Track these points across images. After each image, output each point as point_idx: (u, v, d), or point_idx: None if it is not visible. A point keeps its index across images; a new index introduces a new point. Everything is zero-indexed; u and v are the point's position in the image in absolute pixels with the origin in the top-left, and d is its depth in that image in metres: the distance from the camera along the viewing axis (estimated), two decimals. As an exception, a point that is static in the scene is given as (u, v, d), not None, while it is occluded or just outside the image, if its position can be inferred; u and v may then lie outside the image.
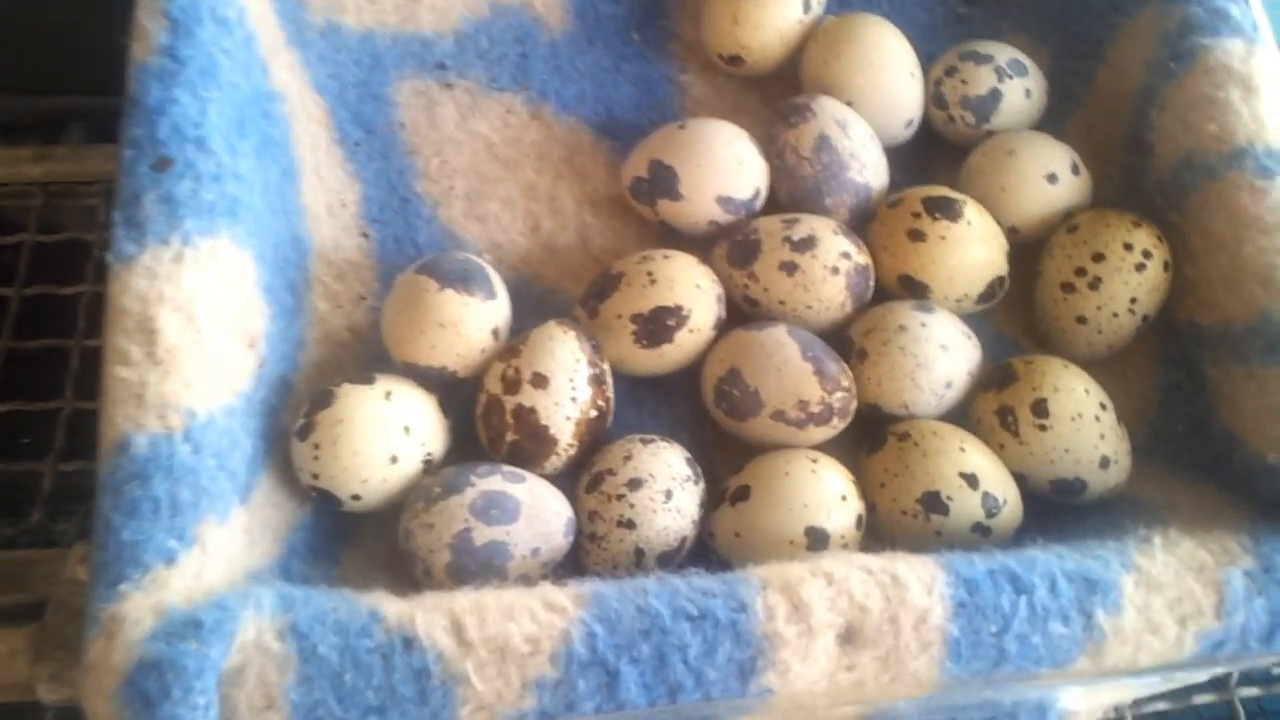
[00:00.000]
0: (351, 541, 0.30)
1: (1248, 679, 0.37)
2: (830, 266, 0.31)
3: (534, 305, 0.34)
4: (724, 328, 0.32)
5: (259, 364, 0.29)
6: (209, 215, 0.28)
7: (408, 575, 0.28)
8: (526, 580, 0.27)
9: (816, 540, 0.28)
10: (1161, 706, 0.36)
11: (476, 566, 0.27)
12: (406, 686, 0.23)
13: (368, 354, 0.32)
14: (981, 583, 0.25)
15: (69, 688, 0.30)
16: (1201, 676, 0.35)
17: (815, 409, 0.30)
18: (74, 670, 0.28)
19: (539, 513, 0.28)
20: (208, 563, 0.25)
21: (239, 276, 0.28)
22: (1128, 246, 0.32)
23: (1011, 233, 0.34)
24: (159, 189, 0.28)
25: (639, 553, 0.28)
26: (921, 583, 0.25)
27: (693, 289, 0.31)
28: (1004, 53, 0.36)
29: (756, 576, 0.25)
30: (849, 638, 0.25)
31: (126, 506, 0.25)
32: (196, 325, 0.27)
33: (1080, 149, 0.36)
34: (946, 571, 0.25)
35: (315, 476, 0.28)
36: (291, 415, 0.30)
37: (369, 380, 0.29)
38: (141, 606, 0.24)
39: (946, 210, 0.32)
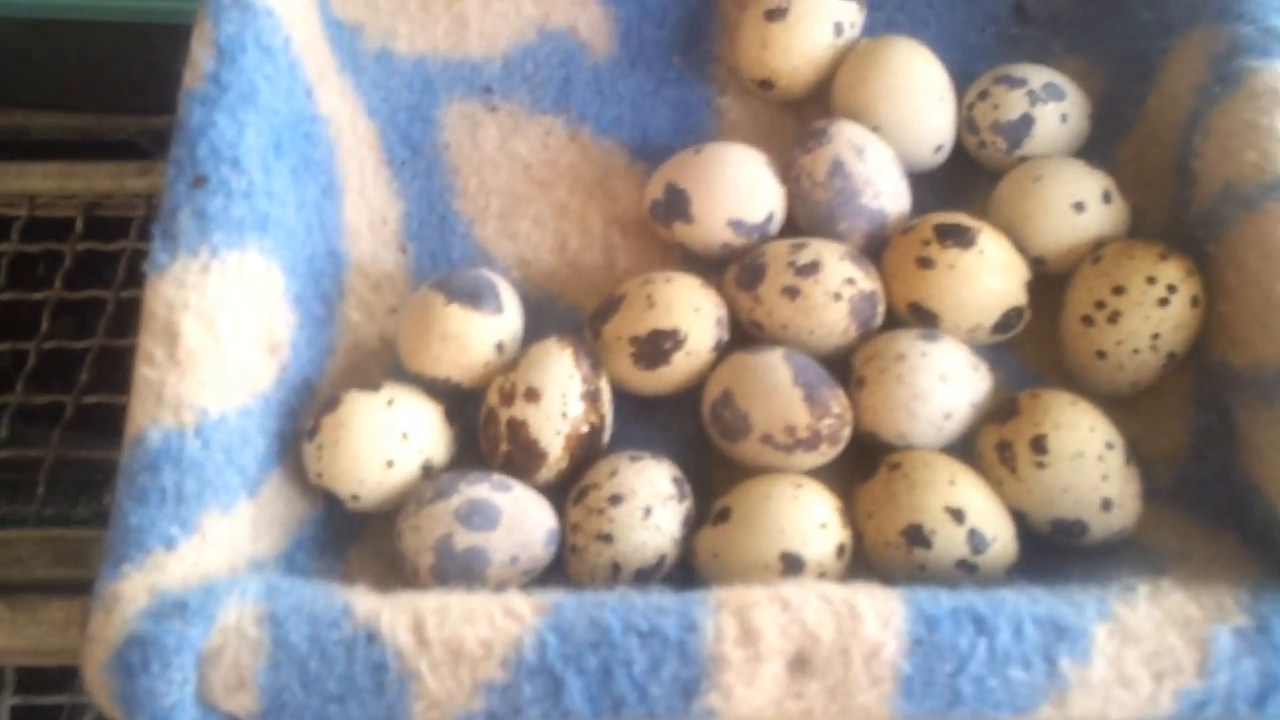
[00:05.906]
0: (359, 540, 0.31)
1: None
2: (833, 292, 0.31)
3: (555, 322, 0.34)
4: (728, 350, 0.32)
5: (280, 369, 0.31)
6: (238, 230, 0.29)
7: (403, 575, 0.30)
8: (504, 587, 0.27)
9: (791, 566, 0.28)
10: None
11: (457, 570, 0.28)
12: (366, 679, 0.24)
13: (396, 363, 0.33)
14: (942, 620, 0.25)
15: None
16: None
17: (803, 435, 0.29)
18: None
19: (520, 522, 0.28)
20: (207, 550, 0.26)
21: (265, 287, 0.30)
22: (1150, 280, 0.30)
23: (1038, 263, 0.32)
24: (193, 204, 0.29)
25: (615, 567, 0.29)
26: (878, 615, 0.25)
27: (691, 312, 0.31)
28: (1039, 76, 0.34)
29: (714, 598, 0.25)
30: (799, 666, 0.24)
31: (136, 494, 0.26)
32: (216, 331, 0.28)
33: (1130, 177, 0.34)
34: (907, 606, 0.25)
35: (319, 476, 0.30)
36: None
37: (375, 387, 0.30)
38: (138, 586, 0.25)
39: (958, 238, 0.31)
